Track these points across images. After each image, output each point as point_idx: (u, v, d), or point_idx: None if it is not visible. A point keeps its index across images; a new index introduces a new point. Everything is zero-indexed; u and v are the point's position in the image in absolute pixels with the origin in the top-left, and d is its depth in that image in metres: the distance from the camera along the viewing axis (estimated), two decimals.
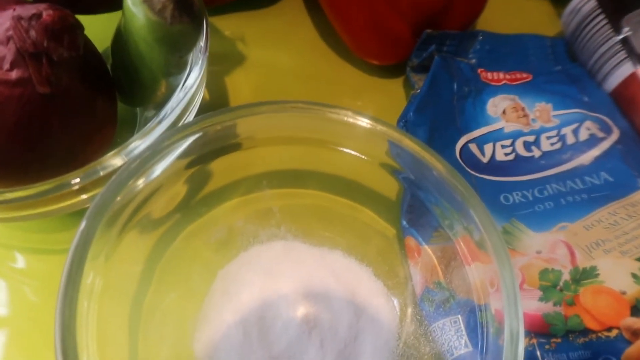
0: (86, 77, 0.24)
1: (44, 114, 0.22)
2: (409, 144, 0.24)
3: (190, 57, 0.23)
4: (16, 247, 0.28)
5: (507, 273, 0.21)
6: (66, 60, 0.21)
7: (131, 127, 0.30)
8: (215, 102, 0.33)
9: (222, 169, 0.27)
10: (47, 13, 0.21)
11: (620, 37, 0.32)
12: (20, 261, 0.28)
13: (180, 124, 0.25)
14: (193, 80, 0.23)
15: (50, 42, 0.21)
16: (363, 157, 0.26)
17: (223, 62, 0.34)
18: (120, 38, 0.23)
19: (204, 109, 0.32)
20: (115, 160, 0.23)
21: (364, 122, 0.24)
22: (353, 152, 0.26)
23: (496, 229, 0.22)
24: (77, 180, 0.22)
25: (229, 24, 0.36)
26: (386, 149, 0.25)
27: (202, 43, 0.24)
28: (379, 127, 0.24)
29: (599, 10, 0.33)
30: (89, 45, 0.25)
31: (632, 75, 0.31)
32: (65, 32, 0.21)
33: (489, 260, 0.22)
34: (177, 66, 0.23)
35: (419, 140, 0.24)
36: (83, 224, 0.21)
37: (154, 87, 0.24)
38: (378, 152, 0.25)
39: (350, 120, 0.24)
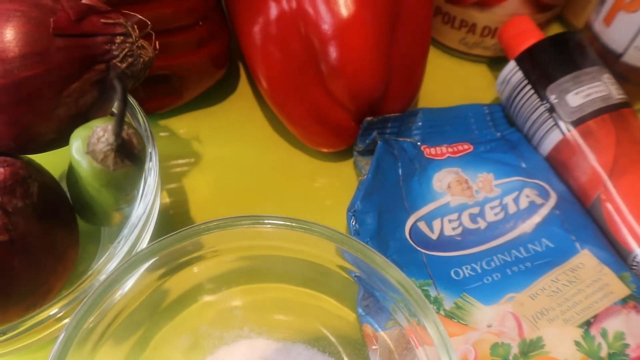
0: (44, 214, 0.25)
1: (5, 258, 0.23)
2: (353, 247, 0.25)
3: (140, 188, 0.25)
4: None
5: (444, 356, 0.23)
6: (21, 208, 0.23)
7: (97, 234, 0.32)
8: (175, 203, 0.35)
9: (185, 277, 0.29)
10: None
11: (548, 105, 0.34)
12: None
13: (142, 236, 0.27)
14: (142, 210, 0.25)
15: (4, 197, 0.22)
16: (318, 257, 0.28)
17: (180, 162, 0.36)
18: (72, 176, 0.24)
19: (165, 211, 0.34)
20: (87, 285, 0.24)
21: (313, 230, 0.26)
22: (308, 255, 0.28)
23: (433, 315, 0.24)
24: (56, 310, 0.24)
25: (182, 124, 0.38)
26: (337, 251, 0.27)
27: (153, 164, 0.26)
28: (327, 233, 0.26)
29: (525, 81, 0.35)
30: (45, 178, 0.27)
31: (563, 141, 0.33)
32: (18, 185, 0.23)
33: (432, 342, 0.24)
34: (125, 202, 0.24)
35: (361, 242, 0.26)
36: (57, 344, 0.22)
37: (108, 218, 0.25)
38: (330, 255, 0.27)
39: (301, 230, 0.26)
